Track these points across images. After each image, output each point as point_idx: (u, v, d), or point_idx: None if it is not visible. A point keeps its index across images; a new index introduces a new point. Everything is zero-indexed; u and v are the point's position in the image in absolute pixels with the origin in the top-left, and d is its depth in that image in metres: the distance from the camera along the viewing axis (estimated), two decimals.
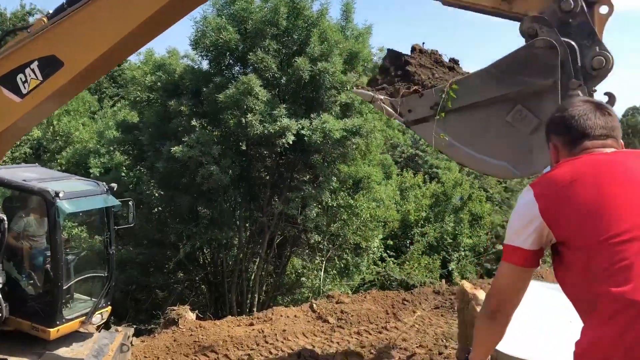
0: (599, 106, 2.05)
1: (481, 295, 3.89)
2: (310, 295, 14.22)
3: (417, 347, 6.35)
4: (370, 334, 8.24)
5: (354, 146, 12.99)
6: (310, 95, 13.21)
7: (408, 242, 18.55)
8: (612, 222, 1.67)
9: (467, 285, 4.01)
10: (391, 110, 3.96)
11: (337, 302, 9.55)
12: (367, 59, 13.84)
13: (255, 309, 13.75)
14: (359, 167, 14.20)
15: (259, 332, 8.33)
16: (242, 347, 7.88)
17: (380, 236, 16.48)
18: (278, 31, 12.84)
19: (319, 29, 12.75)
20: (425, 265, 16.66)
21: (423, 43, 4.55)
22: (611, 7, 3.51)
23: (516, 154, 3.66)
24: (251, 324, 8.80)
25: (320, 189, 13.48)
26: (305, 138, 12.18)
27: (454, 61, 4.57)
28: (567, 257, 1.81)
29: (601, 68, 3.44)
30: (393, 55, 4.47)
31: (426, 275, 15.58)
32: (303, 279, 15.73)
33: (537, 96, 3.60)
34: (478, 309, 3.79)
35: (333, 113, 12.92)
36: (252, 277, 15.23)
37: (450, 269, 18.01)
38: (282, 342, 7.96)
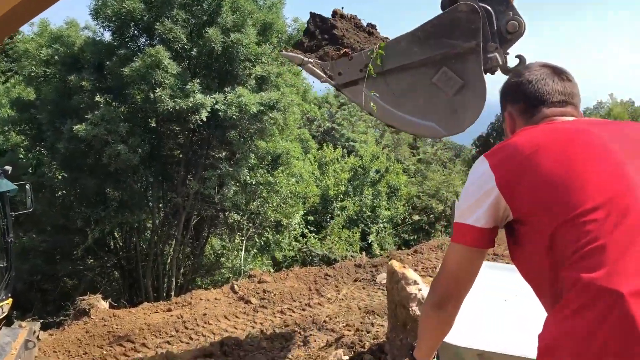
0: (557, 70, 1.84)
1: (410, 274, 3.79)
2: (230, 276, 13.86)
3: (343, 326, 6.22)
4: (294, 312, 8.08)
5: (272, 121, 12.61)
6: (223, 68, 12.65)
7: (328, 216, 18.59)
8: (580, 198, 1.45)
9: (395, 264, 3.87)
10: (321, 73, 3.92)
11: (259, 282, 9.30)
12: (282, 30, 13.44)
13: (172, 294, 13.22)
14: (277, 143, 13.88)
15: (178, 318, 7.93)
16: (160, 334, 7.46)
17: (301, 212, 16.34)
18: (186, 0, 12.14)
19: None
20: (345, 239, 16.76)
21: (342, 7, 4.47)
22: None
23: (442, 114, 3.75)
24: (169, 310, 8.38)
25: (238, 167, 13.04)
26: (220, 113, 11.67)
27: (372, 26, 4.54)
28: (527, 237, 1.59)
29: (515, 32, 3.59)
30: (318, 19, 4.41)
31: (347, 249, 15.69)
32: (223, 259, 15.32)
33: (461, 58, 3.67)
34: (407, 288, 3.69)
35: (248, 86, 12.45)
36: (169, 261, 14.64)
37: (369, 241, 18.26)
38: (203, 327, 7.63)
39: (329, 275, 9.61)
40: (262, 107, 11.95)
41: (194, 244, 15.49)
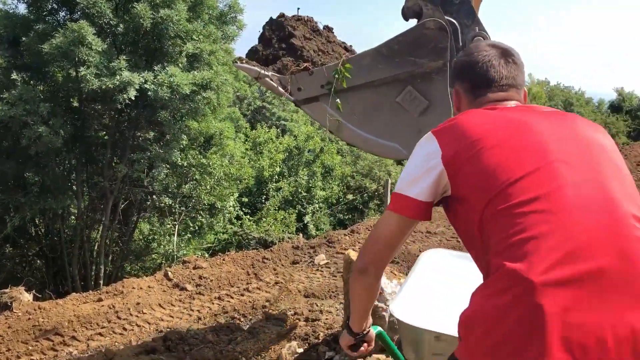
0: (505, 53, 1.87)
1: None
2: (162, 262, 13.44)
3: (292, 315, 6.12)
4: (232, 298, 7.91)
5: (205, 101, 12.19)
6: (151, 45, 12.06)
7: (263, 198, 18.40)
8: (516, 189, 1.51)
9: (352, 254, 3.77)
10: (280, 88, 3.71)
11: (194, 268, 9.02)
12: (213, 7, 12.95)
13: (101, 282, 12.67)
14: (209, 123, 13.48)
15: (110, 308, 7.56)
16: (91, 326, 7.08)
17: (236, 195, 16.06)
18: None
19: None
20: (281, 221, 16.67)
21: (298, 9, 4.30)
22: None
23: (406, 135, 3.60)
24: (100, 300, 7.97)
25: (169, 148, 12.56)
26: (150, 93, 11.13)
27: (329, 29, 4.37)
28: (463, 215, 1.67)
29: None
30: (275, 25, 4.15)
31: (283, 230, 15.60)
32: (154, 244, 14.81)
33: (427, 78, 3.58)
34: None
35: (180, 65, 11.96)
36: (96, 247, 13.99)
37: (305, 222, 18.27)
38: (137, 317, 7.31)
39: (267, 259, 9.48)
40: (195, 87, 11.52)
41: (123, 230, 14.88)
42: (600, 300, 1.36)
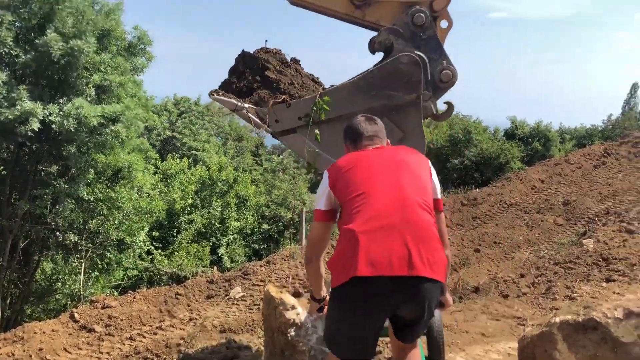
0: (368, 118, 3.12)
1: (287, 298, 3.73)
2: (68, 302, 12.69)
3: (209, 354, 5.98)
4: (145, 337, 7.64)
5: (114, 134, 11.82)
6: (56, 76, 11.60)
7: (175, 231, 17.91)
8: (356, 188, 2.75)
9: (272, 289, 3.79)
10: (257, 120, 3.78)
11: (102, 307, 8.63)
12: (121, 37, 12.71)
13: None
14: (117, 156, 13.05)
15: (9, 356, 7.07)
16: None
17: (146, 229, 15.54)
18: (11, 1, 10.95)
19: (69, 1, 11.22)
20: (194, 254, 16.28)
21: (266, 41, 4.37)
22: (450, 21, 3.83)
23: None
24: None
25: (74, 183, 12.01)
26: (54, 125, 10.65)
27: (296, 61, 4.46)
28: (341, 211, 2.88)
29: (448, 81, 3.77)
30: (248, 58, 4.20)
31: (196, 264, 15.26)
32: (58, 284, 13.95)
33: (401, 110, 3.75)
34: (286, 313, 3.65)
35: (88, 97, 11.56)
36: None
37: (220, 254, 17.96)
38: None
39: (180, 294, 9.25)
40: (103, 120, 11.16)
41: (23, 270, 13.93)
42: (389, 239, 2.57)
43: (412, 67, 3.65)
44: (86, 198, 12.69)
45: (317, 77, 4.48)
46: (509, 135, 29.85)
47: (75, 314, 8.33)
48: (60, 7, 11.14)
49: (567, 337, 3.15)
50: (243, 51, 4.28)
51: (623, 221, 9.69)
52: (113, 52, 12.26)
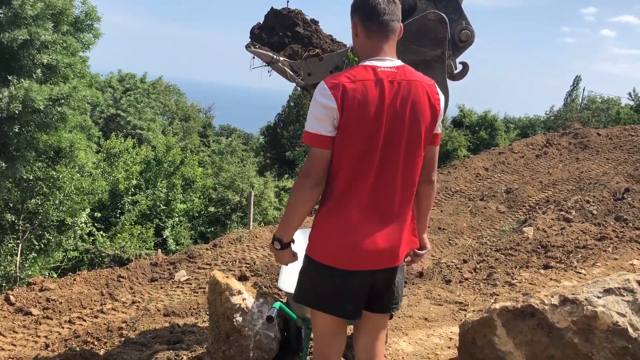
0: None
1: (234, 284, 3.70)
2: (3, 285, 12.17)
3: (152, 338, 5.86)
4: (85, 320, 7.45)
5: (60, 116, 11.26)
6: (6, 56, 10.88)
7: (118, 212, 17.43)
8: (362, 142, 2.42)
9: (218, 274, 3.75)
10: (291, 72, 3.87)
11: (40, 290, 8.34)
12: (69, 14, 12.07)
13: None
14: (60, 134, 12.51)
15: None
16: None
17: (88, 209, 15.04)
18: None
19: None
20: (138, 236, 15.90)
21: (288, 1, 4.45)
22: None
23: None
24: None
25: (13, 162, 11.43)
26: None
27: (315, 22, 4.53)
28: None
29: (467, 40, 3.91)
30: (278, 15, 4.29)
31: (140, 247, 14.93)
32: None
33: (427, 65, 3.83)
34: (232, 298, 3.62)
35: (35, 77, 10.93)
36: None
37: (164, 236, 17.63)
38: None
39: (123, 277, 9.05)
40: (49, 103, 10.62)
41: None
42: (385, 231, 2.44)
43: (439, 24, 3.79)
44: (25, 177, 12.15)
45: (335, 38, 4.61)
46: (457, 123, 30.46)
47: (11, 297, 8.01)
48: None
49: (506, 322, 3.27)
50: (272, 8, 4.38)
51: (562, 210, 10.10)
52: (63, 30, 11.66)
